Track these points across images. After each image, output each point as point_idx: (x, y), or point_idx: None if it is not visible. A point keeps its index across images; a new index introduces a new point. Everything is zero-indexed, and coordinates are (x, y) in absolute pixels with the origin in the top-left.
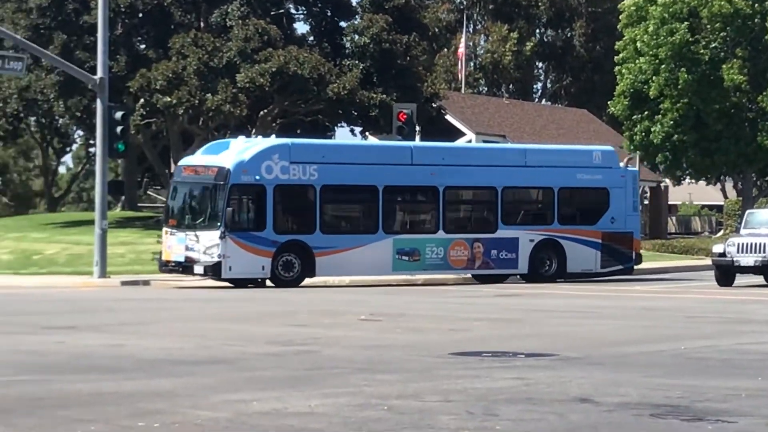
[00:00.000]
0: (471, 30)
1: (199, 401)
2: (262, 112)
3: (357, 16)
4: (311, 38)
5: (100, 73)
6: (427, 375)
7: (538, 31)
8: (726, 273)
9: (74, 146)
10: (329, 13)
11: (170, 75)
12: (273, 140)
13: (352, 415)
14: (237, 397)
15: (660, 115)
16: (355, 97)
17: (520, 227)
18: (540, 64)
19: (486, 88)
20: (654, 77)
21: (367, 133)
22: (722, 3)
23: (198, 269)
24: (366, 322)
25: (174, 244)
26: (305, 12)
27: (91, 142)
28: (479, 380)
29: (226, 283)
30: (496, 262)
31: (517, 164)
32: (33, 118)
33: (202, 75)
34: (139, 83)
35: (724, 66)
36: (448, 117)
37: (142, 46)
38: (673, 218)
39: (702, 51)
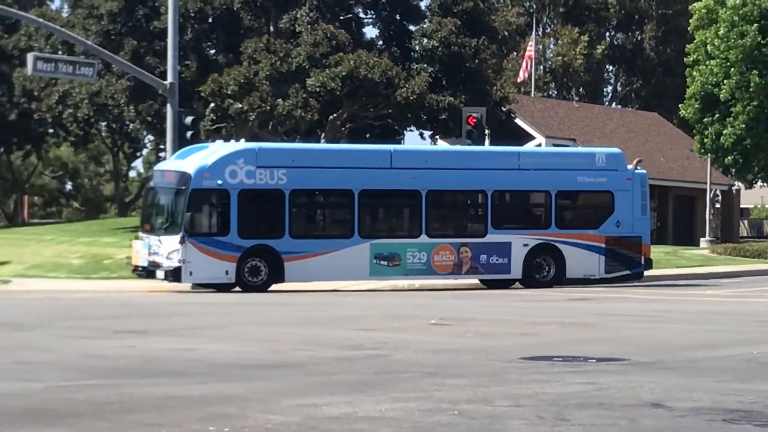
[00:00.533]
0: (540, 33)
1: (270, 405)
2: (331, 117)
3: (426, 20)
4: (380, 42)
5: (170, 78)
6: (498, 379)
7: (608, 34)
8: None
9: (144, 151)
10: (398, 17)
11: (242, 80)
12: (239, 144)
13: (422, 419)
14: (307, 401)
15: (731, 118)
16: (424, 101)
17: (513, 231)
18: (610, 67)
19: (556, 92)
20: (725, 80)
21: (437, 137)
22: None
23: (159, 274)
24: (436, 327)
25: (140, 248)
26: (374, 16)
27: (162, 146)
28: (550, 385)
29: (296, 289)
30: (485, 266)
31: (509, 167)
32: (104, 123)
33: (273, 80)
34: (211, 88)
35: None
36: (517, 120)
37: (212, 51)
38: (745, 222)
39: None
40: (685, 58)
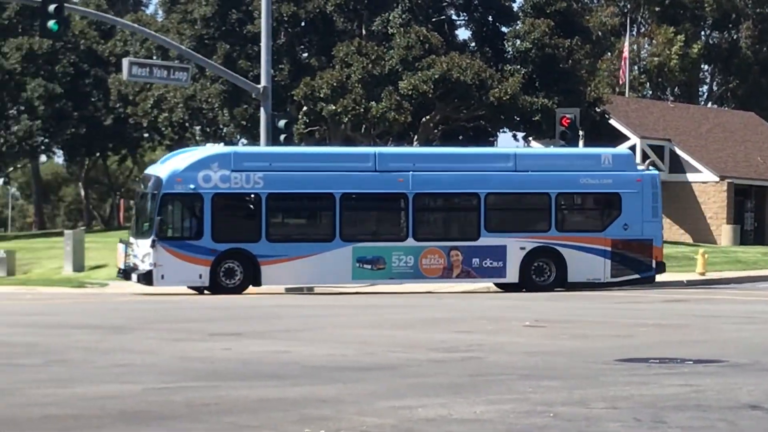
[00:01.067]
0: (635, 33)
1: (364, 407)
2: (424, 119)
3: (519, 21)
4: (472, 44)
5: (263, 82)
6: (593, 381)
7: (703, 33)
8: None
9: None
10: (491, 19)
11: (334, 83)
12: (215, 148)
13: (518, 422)
14: (402, 403)
15: None
16: (517, 103)
17: (508, 234)
18: (706, 67)
19: (650, 92)
20: None
21: (530, 138)
22: None
23: (134, 277)
24: (530, 329)
25: (120, 251)
26: (466, 18)
27: None
28: (646, 387)
29: (391, 291)
30: (478, 270)
31: (504, 170)
32: (198, 127)
33: (365, 83)
34: (303, 91)
35: None
36: (611, 121)
37: (305, 55)
38: None
39: None
40: None
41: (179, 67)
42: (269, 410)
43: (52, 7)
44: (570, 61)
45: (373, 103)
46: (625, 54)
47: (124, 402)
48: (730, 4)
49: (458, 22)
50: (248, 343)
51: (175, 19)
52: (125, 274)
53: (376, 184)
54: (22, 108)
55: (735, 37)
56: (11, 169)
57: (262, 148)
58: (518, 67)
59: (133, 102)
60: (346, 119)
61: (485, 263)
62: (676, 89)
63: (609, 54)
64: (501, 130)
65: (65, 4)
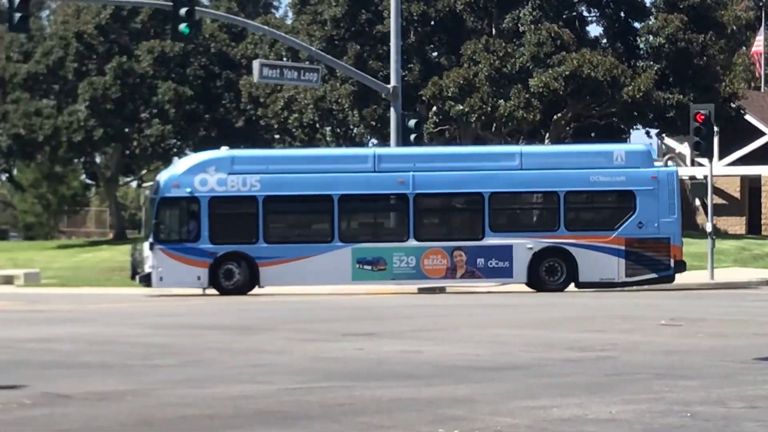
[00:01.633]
0: None
1: (498, 407)
2: (555, 117)
3: (651, 17)
4: (604, 40)
5: (393, 82)
6: (731, 381)
7: None
8: None
9: None
10: (623, 14)
11: (461, 82)
12: (213, 153)
13: (654, 421)
14: (536, 403)
15: None
16: (650, 99)
17: (515, 234)
18: None
19: None
20: None
21: (663, 135)
22: None
23: (137, 279)
24: (666, 327)
25: (129, 254)
26: (598, 14)
27: None
28: None
29: (523, 290)
30: (483, 270)
31: (509, 168)
32: (328, 128)
33: (493, 81)
34: (432, 91)
35: None
36: (747, 117)
37: (435, 54)
38: None
39: None
40: None
41: (309, 68)
42: (403, 410)
43: (183, 11)
44: (704, 56)
45: (501, 101)
46: (758, 49)
47: (258, 402)
48: None
49: (589, 19)
50: (381, 343)
51: (305, 20)
52: (133, 275)
53: (375, 185)
54: (154, 111)
55: None
56: (144, 171)
57: (259, 151)
58: (651, 63)
59: (264, 104)
60: (474, 118)
61: (490, 263)
62: None
63: (744, 48)
64: (634, 127)
65: (196, 8)
